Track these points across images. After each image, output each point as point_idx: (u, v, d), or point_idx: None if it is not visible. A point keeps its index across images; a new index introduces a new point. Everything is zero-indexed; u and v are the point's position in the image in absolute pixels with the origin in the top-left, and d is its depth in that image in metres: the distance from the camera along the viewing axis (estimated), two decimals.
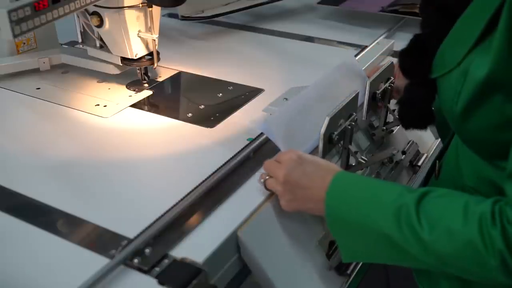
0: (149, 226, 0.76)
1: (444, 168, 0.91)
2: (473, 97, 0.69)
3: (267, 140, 0.92)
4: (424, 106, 0.86)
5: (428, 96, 0.85)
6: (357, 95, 0.91)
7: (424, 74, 0.81)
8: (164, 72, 1.28)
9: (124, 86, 1.20)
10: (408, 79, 0.87)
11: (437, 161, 0.94)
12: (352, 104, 0.90)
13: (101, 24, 1.12)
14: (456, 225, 0.65)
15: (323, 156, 0.87)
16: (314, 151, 0.90)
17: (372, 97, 1.01)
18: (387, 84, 1.03)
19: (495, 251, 0.63)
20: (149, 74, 1.21)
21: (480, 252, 0.64)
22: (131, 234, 0.75)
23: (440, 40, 0.78)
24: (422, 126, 0.91)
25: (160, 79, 1.24)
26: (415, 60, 0.83)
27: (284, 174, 0.79)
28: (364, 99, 1.00)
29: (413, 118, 0.90)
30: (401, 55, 0.86)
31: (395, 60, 1.26)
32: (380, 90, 1.01)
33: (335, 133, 0.86)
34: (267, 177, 0.82)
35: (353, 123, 0.90)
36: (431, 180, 0.96)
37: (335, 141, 0.86)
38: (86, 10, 1.13)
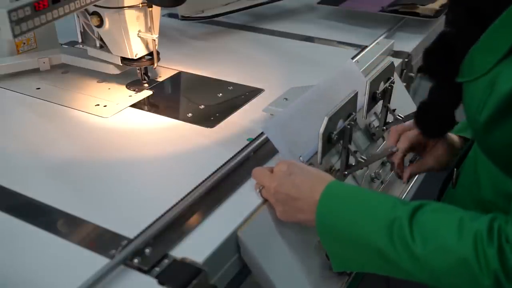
0: (149, 226, 0.76)
1: (461, 177, 0.88)
2: (498, 109, 0.66)
3: (267, 140, 0.92)
4: (447, 110, 0.83)
5: (451, 100, 0.81)
6: (356, 94, 0.92)
7: (450, 76, 0.76)
8: (164, 72, 1.28)
9: (124, 86, 1.20)
10: (432, 81, 0.83)
11: (455, 169, 0.90)
12: (351, 104, 0.90)
13: (101, 24, 1.12)
14: (450, 241, 0.64)
15: (322, 156, 0.87)
16: (315, 153, 0.90)
17: (372, 97, 1.01)
18: (387, 84, 1.03)
19: (489, 271, 0.62)
20: (149, 74, 1.21)
21: (474, 270, 0.62)
22: (131, 234, 0.75)
23: (468, 43, 0.73)
24: (441, 133, 0.88)
25: (160, 79, 1.24)
26: (441, 60, 0.78)
27: (274, 186, 0.78)
28: (364, 99, 1.00)
29: (433, 124, 0.87)
30: (426, 54, 0.81)
31: (395, 60, 1.26)
32: (380, 90, 1.01)
33: (334, 132, 0.86)
34: (261, 187, 0.82)
35: (353, 123, 0.90)
36: (448, 188, 0.93)
37: (334, 141, 0.86)
38: (86, 10, 1.13)
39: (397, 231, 0.67)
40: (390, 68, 1.04)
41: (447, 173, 0.95)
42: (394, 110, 1.05)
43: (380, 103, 1.05)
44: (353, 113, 0.91)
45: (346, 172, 0.93)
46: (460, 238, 0.64)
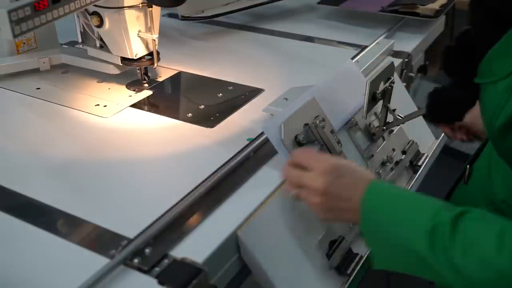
0: (149, 226, 0.76)
1: (474, 174, 0.89)
2: None
3: (267, 140, 0.92)
4: (460, 108, 0.83)
5: (466, 99, 0.81)
6: (313, 99, 0.92)
7: (467, 76, 0.77)
8: (164, 72, 1.28)
9: (124, 86, 1.20)
10: (450, 77, 0.83)
11: (468, 166, 0.90)
12: (310, 109, 0.91)
13: (101, 24, 1.12)
14: (489, 253, 0.63)
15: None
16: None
17: (372, 97, 1.01)
18: (387, 84, 1.03)
19: None
20: (149, 74, 1.21)
21: None
22: (131, 234, 0.75)
23: (487, 44, 0.73)
24: (451, 122, 0.91)
25: (160, 79, 1.24)
26: (459, 59, 0.79)
27: (323, 187, 0.76)
28: (364, 99, 1.00)
29: (444, 116, 0.88)
30: (445, 52, 0.82)
31: (395, 60, 1.26)
32: (380, 90, 1.01)
33: (300, 134, 0.87)
34: (296, 190, 0.80)
35: (318, 121, 0.90)
36: (459, 184, 0.93)
37: (303, 142, 0.87)
38: (86, 10, 1.13)
39: (439, 238, 0.66)
40: (390, 68, 1.04)
41: (461, 171, 0.94)
42: (394, 110, 1.05)
43: (380, 103, 1.05)
44: (318, 115, 0.91)
45: None
46: (499, 250, 0.62)
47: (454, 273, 0.65)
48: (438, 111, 0.87)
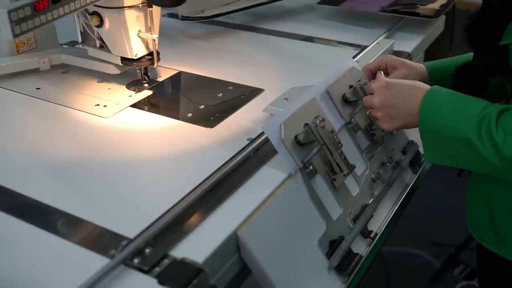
0: (149, 226, 0.76)
1: None
2: None
3: (267, 140, 0.92)
4: (489, 72, 0.93)
5: (495, 64, 0.90)
6: (313, 99, 0.94)
7: (493, 43, 0.87)
8: (164, 72, 1.28)
9: (124, 86, 1.20)
10: (475, 48, 0.93)
11: None
12: (309, 109, 0.92)
13: (101, 24, 1.12)
14: None
15: (296, 158, 0.87)
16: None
17: (344, 100, 1.01)
18: (355, 85, 1.03)
19: None
20: (149, 74, 1.21)
21: None
22: (131, 234, 0.75)
23: (510, 11, 0.85)
24: (476, 93, 0.97)
25: (160, 79, 1.25)
26: (484, 29, 0.89)
27: (379, 101, 0.91)
28: (334, 104, 1.00)
29: (469, 85, 0.95)
30: (469, 26, 0.91)
31: None
32: (348, 92, 1.01)
33: (300, 134, 0.87)
34: (371, 109, 0.95)
35: (318, 121, 0.90)
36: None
37: (303, 142, 0.87)
38: (86, 10, 1.13)
39: (486, 125, 0.79)
40: (352, 72, 1.04)
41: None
42: None
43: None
44: (318, 115, 0.92)
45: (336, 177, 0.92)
46: None
47: (496, 154, 0.78)
48: (465, 82, 0.96)
